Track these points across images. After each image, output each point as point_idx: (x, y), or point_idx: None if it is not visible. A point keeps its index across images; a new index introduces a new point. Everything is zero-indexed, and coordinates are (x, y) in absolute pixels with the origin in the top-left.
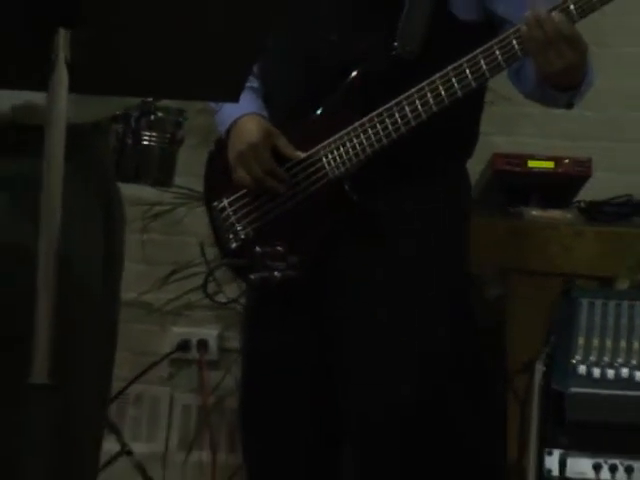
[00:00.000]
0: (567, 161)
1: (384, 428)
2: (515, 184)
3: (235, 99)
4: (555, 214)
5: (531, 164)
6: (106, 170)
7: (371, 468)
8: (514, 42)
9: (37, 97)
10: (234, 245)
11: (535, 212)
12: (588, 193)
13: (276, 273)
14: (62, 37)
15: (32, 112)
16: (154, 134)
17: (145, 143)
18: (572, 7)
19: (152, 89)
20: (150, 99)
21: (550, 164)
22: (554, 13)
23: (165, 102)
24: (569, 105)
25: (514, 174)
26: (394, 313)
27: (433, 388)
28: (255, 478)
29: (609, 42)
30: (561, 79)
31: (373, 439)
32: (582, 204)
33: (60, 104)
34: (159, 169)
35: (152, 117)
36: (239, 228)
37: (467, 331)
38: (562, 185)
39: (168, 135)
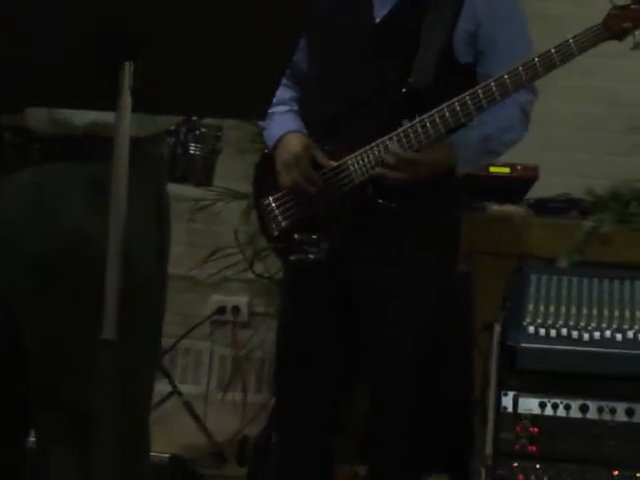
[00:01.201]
0: (520, 168)
1: (393, 369)
2: (479, 185)
3: (262, 118)
4: (510, 208)
5: (492, 170)
6: (158, 173)
7: (384, 402)
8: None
9: (105, 115)
10: (277, 233)
11: (495, 207)
12: (536, 192)
13: (310, 256)
14: (127, 69)
15: (102, 127)
16: (198, 145)
17: (191, 152)
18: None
19: (195, 109)
20: (195, 118)
21: (506, 170)
22: (394, 146)
23: (207, 120)
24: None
25: (479, 177)
26: (401, 289)
27: (426, 344)
28: (285, 409)
29: (557, 76)
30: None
31: (385, 378)
32: (531, 201)
33: (125, 122)
34: (202, 173)
35: (197, 132)
36: (281, 219)
37: (450, 303)
38: (516, 186)
39: (209, 146)
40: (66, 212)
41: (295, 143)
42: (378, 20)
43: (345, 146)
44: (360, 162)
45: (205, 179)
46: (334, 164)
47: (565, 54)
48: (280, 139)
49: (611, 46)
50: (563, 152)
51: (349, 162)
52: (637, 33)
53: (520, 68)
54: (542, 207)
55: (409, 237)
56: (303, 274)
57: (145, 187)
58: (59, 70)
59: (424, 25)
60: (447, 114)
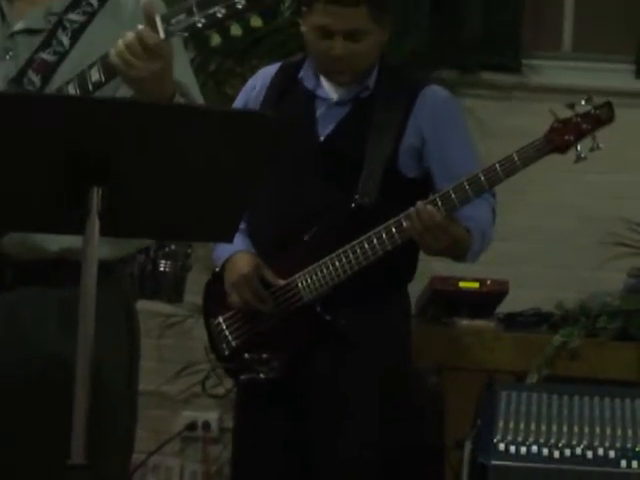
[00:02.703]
0: (489, 282)
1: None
2: (449, 300)
3: (230, 240)
4: (480, 323)
5: (461, 284)
6: (128, 292)
7: None
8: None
9: (79, 240)
10: (227, 353)
11: (464, 322)
12: (506, 306)
13: (261, 375)
14: (95, 193)
15: (75, 251)
16: (168, 262)
17: (161, 269)
18: (439, 203)
19: (164, 233)
20: None
21: (476, 284)
22: (428, 206)
23: None
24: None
25: (448, 292)
26: (355, 400)
27: (378, 464)
28: None
29: (526, 191)
30: (443, 255)
31: None
32: (501, 315)
33: (92, 246)
34: (172, 289)
35: (167, 249)
36: (231, 339)
37: (410, 412)
38: (485, 301)
39: (179, 263)
40: (39, 336)
41: (244, 263)
42: (322, 138)
43: (294, 264)
44: (309, 280)
45: (175, 295)
46: (282, 283)
47: (509, 168)
48: (228, 259)
49: (581, 162)
50: (532, 266)
51: (298, 280)
52: (579, 146)
53: (465, 184)
54: (512, 321)
55: (359, 353)
56: (255, 392)
57: (116, 307)
58: (28, 196)
59: (368, 142)
60: (394, 230)
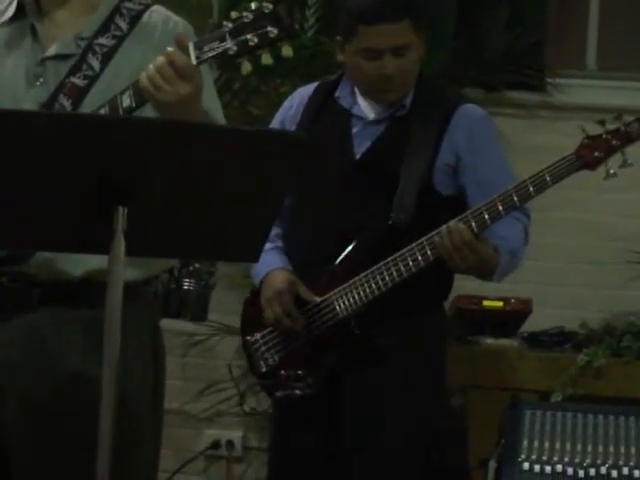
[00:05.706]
0: (513, 301)
1: None
2: (472, 319)
3: (255, 260)
4: (504, 342)
5: (485, 303)
6: (153, 312)
7: None
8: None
9: (104, 262)
10: (264, 369)
11: (488, 340)
12: (529, 325)
13: (297, 391)
14: (120, 213)
15: (100, 273)
16: (192, 281)
17: (185, 288)
18: (472, 221)
19: (189, 252)
20: None
21: (500, 303)
22: (459, 224)
23: None
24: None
25: (472, 311)
26: (390, 415)
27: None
28: None
29: (551, 209)
30: (470, 273)
31: None
32: (525, 334)
33: (118, 265)
34: (196, 308)
35: (190, 267)
36: (268, 356)
37: (441, 432)
38: (509, 319)
39: (203, 281)
40: (63, 357)
41: (280, 280)
42: (358, 156)
43: (330, 281)
44: (344, 297)
45: (199, 314)
46: (318, 300)
47: (540, 185)
48: (265, 276)
49: (608, 180)
50: (556, 285)
51: (333, 297)
52: (609, 163)
53: (497, 201)
54: (536, 340)
55: (395, 369)
56: (291, 408)
57: (141, 327)
58: (54, 216)
59: (404, 160)
60: (427, 247)
